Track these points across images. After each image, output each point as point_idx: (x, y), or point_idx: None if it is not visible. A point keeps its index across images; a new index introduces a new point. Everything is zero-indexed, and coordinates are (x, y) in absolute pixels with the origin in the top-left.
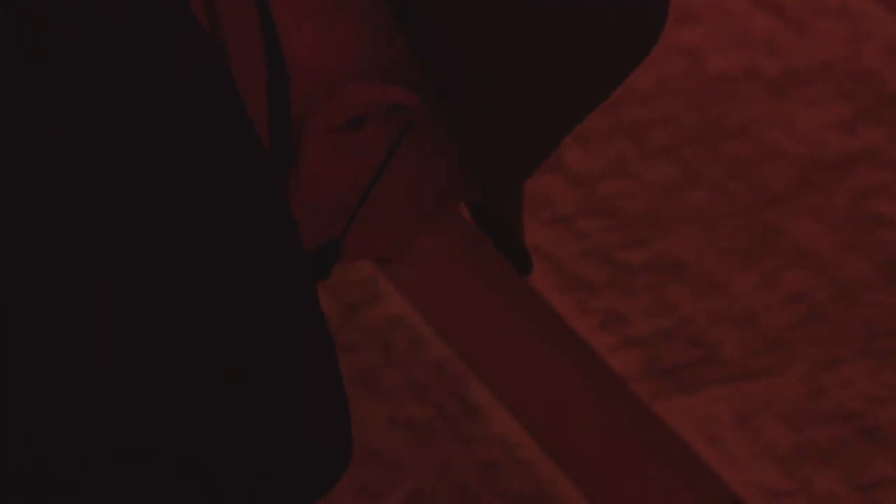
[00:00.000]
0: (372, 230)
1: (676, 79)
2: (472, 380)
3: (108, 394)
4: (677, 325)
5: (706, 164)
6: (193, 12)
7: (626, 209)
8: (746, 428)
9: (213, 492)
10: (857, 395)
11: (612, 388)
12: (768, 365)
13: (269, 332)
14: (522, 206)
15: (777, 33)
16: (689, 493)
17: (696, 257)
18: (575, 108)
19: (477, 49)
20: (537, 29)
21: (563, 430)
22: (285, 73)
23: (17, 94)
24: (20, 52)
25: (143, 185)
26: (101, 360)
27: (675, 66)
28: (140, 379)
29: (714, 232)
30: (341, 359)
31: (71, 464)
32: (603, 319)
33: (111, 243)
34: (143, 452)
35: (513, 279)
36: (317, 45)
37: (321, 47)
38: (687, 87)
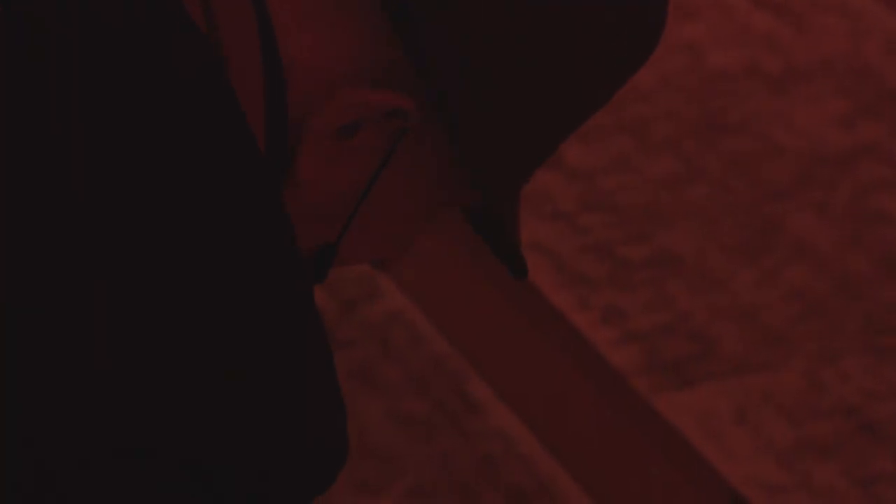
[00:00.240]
0: (369, 233)
1: (677, 75)
2: (472, 375)
3: (109, 394)
4: (677, 320)
5: (707, 159)
6: (190, 14)
7: (627, 205)
8: (746, 423)
9: (213, 491)
10: (856, 390)
11: (612, 382)
12: (768, 360)
13: (266, 333)
14: (519, 209)
15: (777, 30)
16: (688, 487)
17: (696, 253)
18: (575, 110)
19: (476, 50)
20: (537, 30)
21: (562, 424)
22: (282, 75)
23: (16, 95)
24: (20, 52)
25: (142, 187)
26: (101, 360)
27: (676, 63)
28: (140, 379)
29: (714, 227)
30: (341, 354)
31: (71, 464)
32: (603, 314)
33: (111, 243)
34: (143, 452)
35: (509, 273)
36: (314, 48)
37: (318, 50)
38: (688, 84)
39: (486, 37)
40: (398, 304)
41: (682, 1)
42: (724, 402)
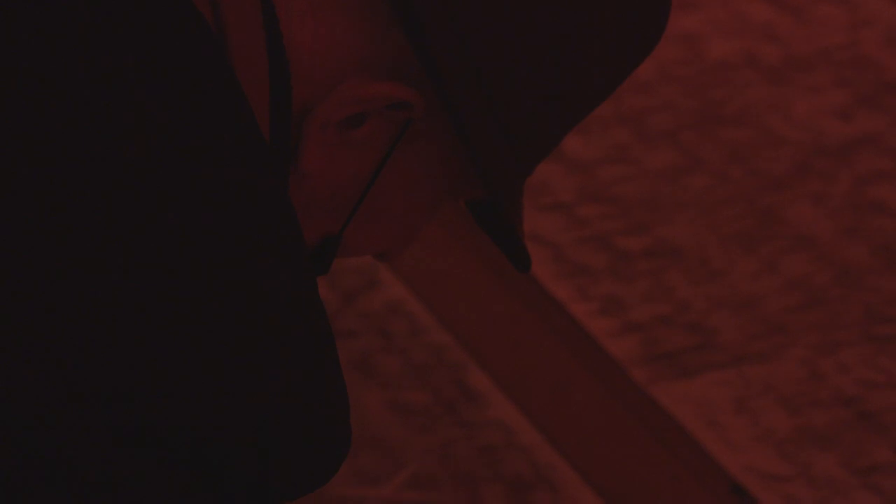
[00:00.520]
0: (372, 226)
1: (676, 65)
2: (472, 365)
3: (109, 379)
4: (676, 311)
5: (705, 150)
6: (196, 4)
7: (626, 195)
8: (745, 412)
9: (215, 481)
10: (856, 379)
11: (611, 372)
12: (767, 350)
13: (270, 323)
14: (522, 203)
15: (776, 20)
16: (688, 477)
17: (695, 243)
18: (578, 103)
19: (480, 44)
20: (541, 23)
21: (562, 415)
22: (287, 66)
23: (19, 82)
24: (27, 40)
25: (146, 176)
26: (106, 346)
27: (675, 53)
28: (143, 367)
29: (713, 218)
30: (341, 345)
31: (71, 450)
32: (602, 305)
33: (116, 231)
34: (143, 440)
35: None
36: (319, 40)
37: (323, 41)
38: (686, 74)
39: (490, 29)
40: (398, 294)
41: None
42: (723, 391)
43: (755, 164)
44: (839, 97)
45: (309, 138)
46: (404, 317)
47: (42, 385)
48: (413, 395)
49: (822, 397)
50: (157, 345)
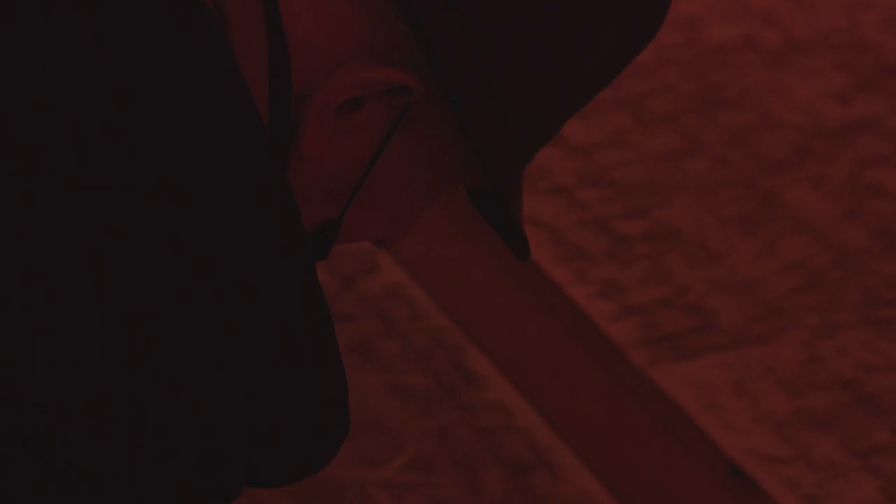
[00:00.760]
0: (371, 211)
1: (675, 48)
2: (471, 348)
3: (107, 357)
4: (675, 294)
5: (705, 133)
6: None
7: (625, 179)
8: (744, 395)
9: (213, 464)
10: (855, 362)
11: (611, 355)
12: (766, 332)
13: (268, 309)
14: (521, 191)
15: (776, 4)
16: (687, 459)
17: (694, 226)
18: (579, 89)
19: (480, 30)
20: (542, 10)
21: (561, 397)
22: (287, 50)
23: (18, 63)
24: (30, 28)
25: (144, 160)
26: (101, 330)
27: (674, 37)
28: (140, 352)
29: (713, 201)
30: (340, 328)
31: (66, 426)
32: (601, 288)
33: (115, 216)
34: (142, 426)
35: (510, 252)
36: (319, 24)
37: (323, 26)
38: (686, 57)
39: (490, 16)
40: (397, 278)
41: None
42: (722, 374)
43: (755, 148)
44: (839, 80)
45: (308, 123)
46: (403, 300)
47: (37, 368)
48: (412, 378)
49: (822, 380)
50: (153, 329)
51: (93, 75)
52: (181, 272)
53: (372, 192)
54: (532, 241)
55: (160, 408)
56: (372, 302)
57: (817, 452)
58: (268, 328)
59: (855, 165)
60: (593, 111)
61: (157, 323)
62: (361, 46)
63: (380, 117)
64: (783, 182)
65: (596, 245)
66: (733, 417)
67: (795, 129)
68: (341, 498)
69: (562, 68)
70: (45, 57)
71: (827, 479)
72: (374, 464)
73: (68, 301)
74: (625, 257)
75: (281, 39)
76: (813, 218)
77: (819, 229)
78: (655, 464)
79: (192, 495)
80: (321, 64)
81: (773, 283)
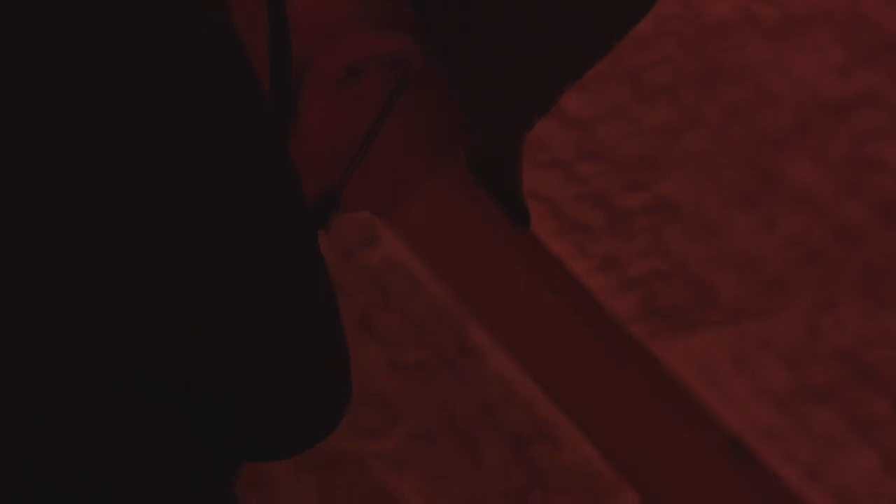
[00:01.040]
0: (371, 181)
1: (674, 23)
2: (471, 321)
3: (109, 324)
4: (675, 268)
5: (704, 108)
6: None
7: (624, 153)
8: (744, 368)
9: (215, 435)
10: (854, 336)
11: (611, 329)
12: (766, 306)
13: (272, 276)
14: (522, 159)
15: None
16: (688, 432)
17: (693, 200)
18: (578, 56)
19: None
20: None
21: (562, 370)
22: (286, 20)
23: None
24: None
25: (146, 130)
26: (107, 292)
27: (673, 10)
28: (144, 317)
29: (712, 175)
30: (339, 302)
31: (69, 396)
32: (601, 262)
33: (118, 183)
34: (143, 389)
35: (510, 222)
36: None
37: None
38: (685, 30)
39: None
40: (397, 251)
41: None
42: (722, 348)
43: (754, 122)
44: (838, 55)
45: (308, 92)
46: (403, 273)
47: (42, 337)
48: (412, 351)
49: (821, 353)
50: (157, 295)
51: (91, 47)
52: (180, 240)
53: (371, 163)
54: (531, 215)
55: (161, 377)
56: (371, 275)
57: (817, 426)
58: (270, 298)
59: (855, 140)
60: (591, 84)
61: (160, 290)
62: (360, 16)
63: (379, 87)
64: (783, 156)
65: (595, 219)
66: (733, 391)
67: (795, 103)
68: (341, 470)
69: (561, 34)
70: (46, 19)
71: (827, 452)
72: (374, 436)
73: (72, 267)
74: (624, 231)
75: (281, 10)
76: (813, 192)
77: (819, 203)
78: (655, 437)
79: (192, 470)
80: (320, 34)
81: (772, 257)
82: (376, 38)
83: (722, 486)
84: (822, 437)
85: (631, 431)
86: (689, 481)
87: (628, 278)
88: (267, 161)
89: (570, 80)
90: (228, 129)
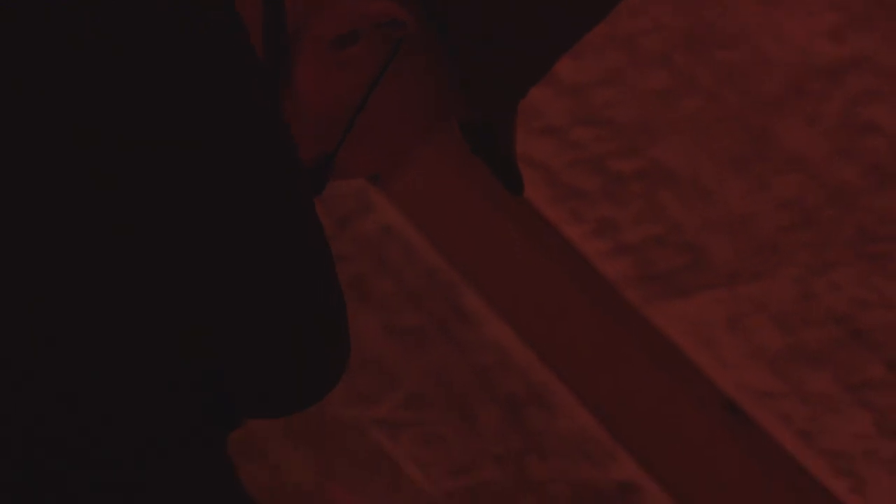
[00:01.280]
0: (365, 146)
1: None
2: (466, 287)
3: (112, 294)
4: (669, 231)
5: (698, 72)
6: None
7: (618, 118)
8: (738, 331)
9: (215, 394)
10: (847, 298)
11: (605, 293)
12: (760, 269)
13: (269, 238)
14: (516, 125)
15: None
16: (682, 395)
17: (687, 164)
18: (572, 22)
19: None
20: None
21: (557, 335)
22: None
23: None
24: None
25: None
26: (109, 260)
27: None
28: (148, 281)
29: (706, 139)
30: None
31: (79, 366)
32: (595, 227)
33: (120, 150)
34: (151, 354)
35: (504, 189)
36: None
37: None
38: None
39: None
40: (391, 218)
41: None
42: (716, 311)
43: (748, 86)
44: (831, 18)
45: (303, 57)
46: (398, 240)
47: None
48: (407, 317)
49: (815, 316)
50: (157, 263)
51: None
52: (176, 207)
53: (366, 127)
54: (526, 181)
55: (164, 341)
56: (367, 242)
57: (811, 387)
58: (269, 258)
59: (848, 103)
60: (586, 50)
61: (158, 256)
62: None
63: (373, 52)
64: (776, 120)
65: (590, 184)
66: (727, 353)
67: (788, 67)
68: (338, 436)
69: (555, 1)
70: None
71: (820, 413)
72: (370, 402)
73: (72, 266)
74: (619, 196)
75: None
76: (806, 155)
77: (812, 166)
78: (650, 400)
79: (193, 427)
80: (314, 2)
81: (766, 221)
82: (371, 4)
83: (717, 448)
84: (815, 399)
85: (626, 395)
86: (684, 444)
87: (623, 243)
88: (261, 125)
89: (564, 45)
90: (221, 92)
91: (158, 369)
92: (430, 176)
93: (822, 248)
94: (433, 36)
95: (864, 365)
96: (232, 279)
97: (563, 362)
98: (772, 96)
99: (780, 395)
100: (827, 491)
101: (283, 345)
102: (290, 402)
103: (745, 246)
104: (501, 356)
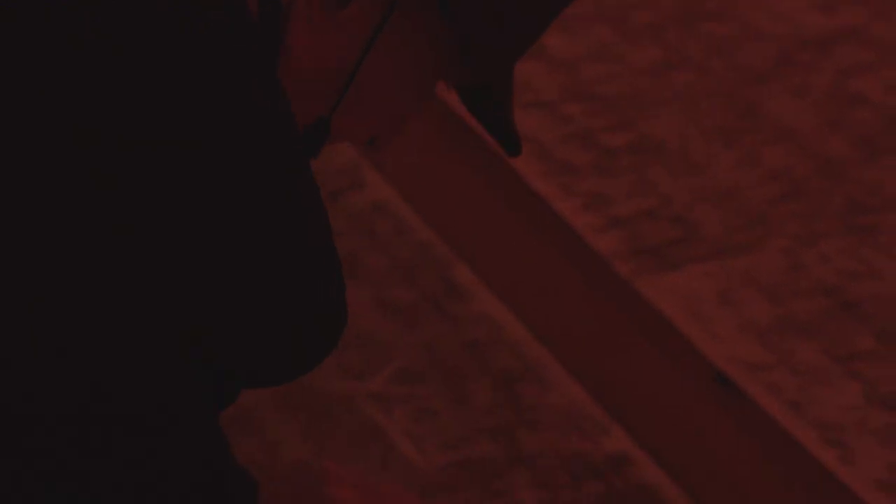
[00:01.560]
0: (361, 108)
1: None
2: (457, 262)
3: (111, 265)
4: (660, 205)
5: (687, 45)
6: None
7: (609, 92)
8: (728, 303)
9: (209, 360)
10: (836, 269)
11: (597, 267)
12: (749, 241)
13: (266, 202)
14: (513, 87)
15: None
16: (673, 367)
17: (677, 138)
18: None
19: None
20: None
21: (548, 309)
22: None
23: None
24: None
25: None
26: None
27: None
28: (143, 249)
29: (695, 112)
30: None
31: (75, 335)
32: (586, 201)
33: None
34: (147, 326)
35: (496, 163)
36: None
37: None
38: None
39: None
40: (383, 193)
41: None
42: (706, 283)
43: (737, 59)
44: None
45: (295, 17)
46: (390, 216)
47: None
48: (399, 292)
49: (804, 287)
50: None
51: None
52: (175, 170)
53: (361, 90)
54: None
55: (159, 311)
56: (358, 218)
57: (800, 359)
58: (267, 220)
59: (837, 75)
60: (575, 25)
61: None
62: None
63: (367, 13)
64: (765, 92)
65: (581, 158)
66: (717, 326)
67: (777, 39)
68: (330, 410)
69: None
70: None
71: (810, 384)
72: (362, 376)
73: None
74: (609, 170)
75: None
76: (795, 127)
77: (801, 138)
78: (641, 373)
79: (187, 402)
80: None
81: (755, 193)
82: None
83: (707, 420)
84: (805, 370)
85: (617, 368)
86: (676, 416)
87: (614, 217)
88: (255, 84)
89: (559, 6)
90: (216, 51)
91: (157, 353)
92: (422, 151)
93: (811, 220)
94: (427, 1)
95: (853, 336)
96: (229, 269)
97: (555, 336)
98: (761, 69)
99: (769, 366)
100: (816, 461)
101: (280, 302)
102: (288, 365)
103: (734, 218)
104: (493, 331)
